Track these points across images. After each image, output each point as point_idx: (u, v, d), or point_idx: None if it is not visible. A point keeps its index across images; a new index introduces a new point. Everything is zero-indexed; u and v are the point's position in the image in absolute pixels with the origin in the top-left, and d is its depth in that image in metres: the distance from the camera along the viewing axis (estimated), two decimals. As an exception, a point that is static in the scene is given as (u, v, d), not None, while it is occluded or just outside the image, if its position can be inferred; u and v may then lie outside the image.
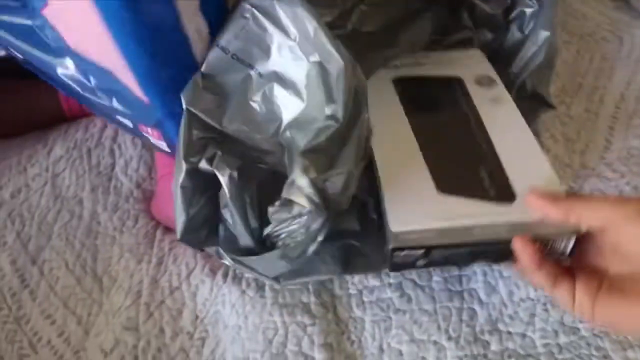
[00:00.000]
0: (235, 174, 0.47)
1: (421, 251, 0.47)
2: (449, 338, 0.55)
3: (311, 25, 0.45)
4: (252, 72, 0.49)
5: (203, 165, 0.48)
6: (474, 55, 0.63)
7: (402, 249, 0.47)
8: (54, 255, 0.59)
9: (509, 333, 0.55)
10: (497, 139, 0.52)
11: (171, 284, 0.58)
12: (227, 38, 0.48)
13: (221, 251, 0.50)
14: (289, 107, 0.49)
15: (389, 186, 0.50)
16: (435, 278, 0.58)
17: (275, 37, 0.47)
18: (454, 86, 0.59)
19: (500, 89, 0.58)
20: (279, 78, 0.49)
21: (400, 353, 0.54)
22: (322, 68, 0.46)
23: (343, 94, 0.45)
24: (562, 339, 0.54)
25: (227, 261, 0.50)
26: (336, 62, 0.45)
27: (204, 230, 0.52)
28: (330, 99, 0.46)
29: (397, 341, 0.55)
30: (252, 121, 0.50)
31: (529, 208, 0.45)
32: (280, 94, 0.49)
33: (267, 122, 0.50)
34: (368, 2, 0.58)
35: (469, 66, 0.60)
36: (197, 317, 0.56)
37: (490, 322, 0.56)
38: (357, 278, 0.58)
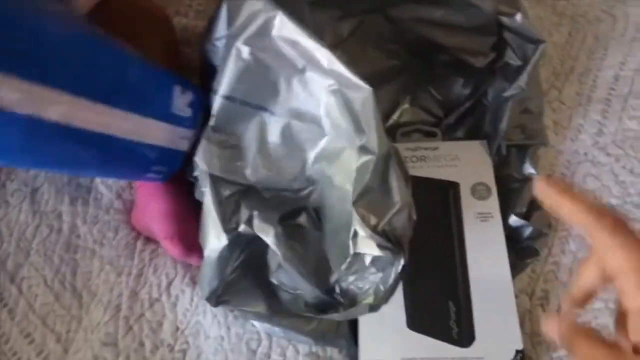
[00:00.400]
0: (279, 229, 0.46)
1: None
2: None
3: (320, 53, 0.42)
4: (265, 114, 0.47)
5: (243, 229, 0.46)
6: (477, 151, 0.59)
7: None
8: (33, 271, 0.58)
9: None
10: (474, 272, 0.51)
11: (151, 295, 0.56)
12: (229, 86, 0.45)
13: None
14: (311, 140, 0.47)
15: (366, 317, 0.50)
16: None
17: (281, 73, 0.44)
18: (449, 194, 0.56)
19: (493, 203, 0.55)
20: (294, 113, 0.46)
21: None
22: (342, 95, 0.43)
23: (375, 122, 0.41)
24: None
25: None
26: (359, 88, 0.42)
27: (239, 291, 0.51)
28: (359, 129, 0.43)
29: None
30: (276, 164, 0.48)
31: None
32: (299, 129, 0.47)
33: (292, 161, 0.48)
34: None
35: (471, 166, 0.57)
36: (177, 328, 0.55)
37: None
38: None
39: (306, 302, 0.49)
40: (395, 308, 0.51)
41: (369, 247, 0.42)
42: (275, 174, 0.49)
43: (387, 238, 0.41)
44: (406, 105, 0.65)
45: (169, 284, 0.57)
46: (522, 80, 0.53)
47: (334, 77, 0.43)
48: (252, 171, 0.48)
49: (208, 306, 0.55)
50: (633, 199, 0.61)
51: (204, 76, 0.58)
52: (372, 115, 0.41)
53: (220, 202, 0.47)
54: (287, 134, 0.47)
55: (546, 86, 0.69)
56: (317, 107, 0.45)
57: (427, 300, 0.51)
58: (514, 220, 0.55)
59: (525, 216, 0.56)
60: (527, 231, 0.55)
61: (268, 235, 0.46)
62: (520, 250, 0.55)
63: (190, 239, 0.54)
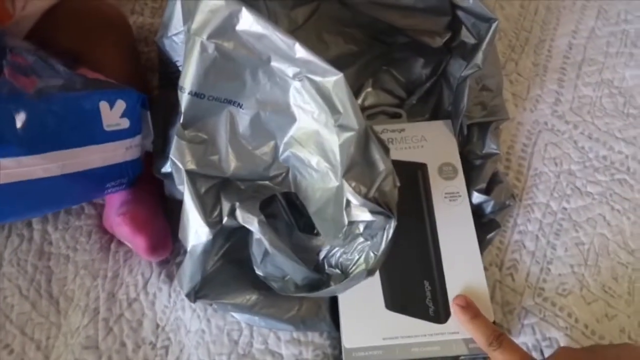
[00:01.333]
0: (262, 217, 0.47)
1: None
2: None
3: (286, 43, 0.43)
4: (233, 107, 0.47)
5: (227, 222, 0.47)
6: (442, 131, 0.60)
7: None
8: (7, 282, 0.58)
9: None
10: (445, 251, 0.53)
11: (129, 296, 0.56)
12: (196, 82, 0.45)
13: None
14: (281, 128, 0.48)
15: (346, 302, 0.52)
16: None
17: (247, 65, 0.45)
18: (418, 175, 0.57)
19: (460, 182, 0.57)
20: (262, 104, 0.47)
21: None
22: (311, 82, 0.44)
23: (350, 101, 0.43)
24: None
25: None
26: (329, 73, 0.43)
27: (217, 285, 0.52)
28: (333, 110, 0.44)
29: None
30: (248, 155, 0.49)
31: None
32: (268, 119, 0.48)
33: (263, 150, 0.49)
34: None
35: (437, 147, 0.59)
36: (157, 325, 0.55)
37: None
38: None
39: (296, 284, 0.50)
40: (374, 290, 0.52)
41: (362, 214, 0.44)
42: (248, 165, 0.49)
43: (378, 204, 0.44)
44: (369, 89, 0.66)
45: (146, 283, 0.57)
46: (479, 58, 0.55)
47: (301, 65, 0.44)
48: (226, 164, 0.49)
49: (186, 301, 0.55)
50: (593, 163, 0.63)
51: (162, 72, 0.58)
52: (346, 97, 0.43)
53: (199, 197, 0.47)
54: (256, 124, 0.48)
55: (503, 59, 0.70)
56: (285, 95, 0.46)
57: (403, 281, 0.53)
58: (476, 197, 0.57)
59: (487, 191, 0.57)
60: (489, 206, 0.57)
61: (253, 225, 0.47)
62: (484, 225, 0.57)
63: (145, 222, 0.55)
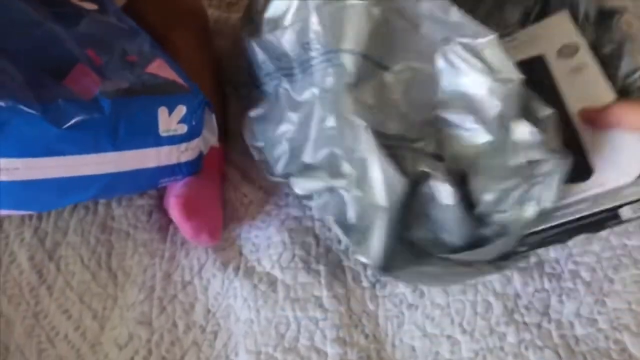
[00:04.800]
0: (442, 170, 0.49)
1: None
2: (464, 332, 0.54)
3: (439, 4, 0.47)
4: (386, 72, 0.50)
5: (427, 189, 0.49)
6: (559, 21, 0.59)
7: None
8: (70, 251, 0.60)
9: (525, 324, 0.54)
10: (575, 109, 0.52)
11: (183, 278, 0.58)
12: (359, 43, 0.49)
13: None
14: (429, 92, 0.51)
15: None
16: (448, 270, 0.58)
17: (398, 29, 0.49)
18: (535, 67, 0.57)
19: (583, 54, 0.55)
20: (411, 69, 0.50)
21: (413, 349, 0.54)
22: (462, 44, 0.47)
23: (506, 58, 0.47)
24: (579, 331, 0.53)
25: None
26: (482, 33, 0.46)
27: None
28: (488, 68, 0.47)
29: (409, 337, 0.54)
30: (400, 117, 0.51)
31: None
32: (416, 83, 0.50)
33: (413, 114, 0.51)
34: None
35: (553, 37, 0.58)
36: (209, 311, 0.56)
37: (506, 313, 0.55)
38: (369, 271, 0.58)
39: (454, 247, 0.51)
40: None
41: (534, 154, 0.47)
42: (399, 126, 0.51)
43: (550, 147, 0.46)
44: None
45: (201, 268, 0.59)
46: None
47: (453, 29, 0.47)
48: (381, 127, 0.50)
49: (238, 290, 0.57)
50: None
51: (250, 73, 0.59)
52: (502, 54, 0.47)
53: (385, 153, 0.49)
54: (407, 87, 0.51)
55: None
56: (433, 59, 0.49)
57: None
58: None
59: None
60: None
61: (437, 175, 0.49)
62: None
63: (196, 208, 0.56)
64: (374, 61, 0.50)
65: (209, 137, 0.59)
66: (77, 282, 0.58)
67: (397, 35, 0.49)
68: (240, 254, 0.60)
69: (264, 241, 0.60)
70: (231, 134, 0.67)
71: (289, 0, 0.52)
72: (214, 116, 0.57)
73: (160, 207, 0.64)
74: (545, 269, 0.58)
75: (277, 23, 0.53)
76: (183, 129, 0.53)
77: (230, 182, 0.65)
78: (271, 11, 0.53)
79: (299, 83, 0.54)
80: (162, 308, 0.57)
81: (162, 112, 0.52)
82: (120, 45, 0.55)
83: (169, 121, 0.52)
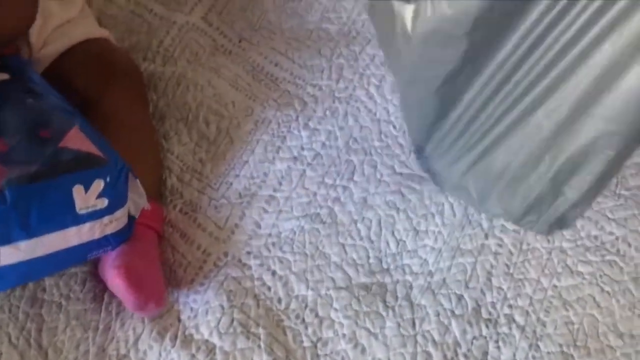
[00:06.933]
0: None
1: None
2: (405, 386, 0.54)
3: None
4: None
5: None
6: None
7: None
8: (-4, 329, 0.58)
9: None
10: None
11: (119, 352, 0.56)
12: None
13: None
14: None
15: None
16: (388, 324, 0.58)
17: None
18: None
19: None
20: None
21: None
22: None
23: None
24: (517, 378, 0.54)
25: None
26: None
27: None
28: None
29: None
30: None
31: None
32: None
33: None
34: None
35: None
36: (146, 385, 0.55)
37: (446, 363, 0.56)
38: (310, 329, 0.58)
39: None
40: None
41: None
42: None
43: None
44: None
45: (137, 339, 0.57)
46: None
47: None
48: None
49: (176, 360, 0.55)
50: (584, 242, 0.64)
51: None
52: None
53: None
54: None
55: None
56: None
57: None
58: None
59: None
60: None
61: None
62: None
63: (140, 277, 0.55)
64: None
65: (139, 201, 0.57)
66: (4, 364, 0.56)
67: None
68: (179, 320, 0.58)
69: (202, 306, 0.58)
70: (170, 191, 0.66)
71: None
72: (138, 181, 0.55)
73: (94, 273, 0.62)
74: (483, 314, 0.59)
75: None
76: (103, 202, 0.52)
77: (168, 242, 0.64)
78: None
79: None
80: (97, 386, 0.55)
81: (78, 190, 0.50)
82: (33, 120, 0.53)
83: (87, 198, 0.51)
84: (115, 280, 0.55)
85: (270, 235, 0.63)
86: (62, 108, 0.57)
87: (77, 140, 0.54)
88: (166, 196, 0.66)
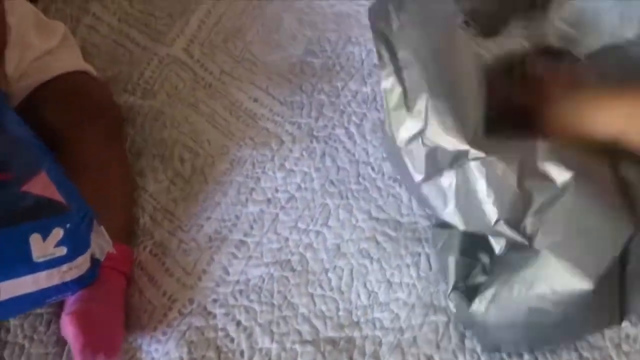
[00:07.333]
0: None
1: None
2: None
3: None
4: None
5: None
6: None
7: None
8: (-46, 376, 0.57)
9: None
10: None
11: (75, 403, 0.55)
12: None
13: None
14: None
15: None
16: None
17: None
18: None
19: None
20: None
21: None
22: None
23: None
24: None
25: None
26: None
27: None
28: None
29: None
30: None
31: None
32: None
33: None
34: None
35: None
36: None
37: None
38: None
39: None
40: None
41: None
42: None
43: None
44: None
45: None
46: None
47: None
48: None
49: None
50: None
51: None
52: None
53: None
54: None
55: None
56: None
57: None
58: None
59: None
60: None
61: None
62: None
63: (93, 325, 0.53)
64: None
65: (104, 245, 0.56)
66: (-41, 411, 0.55)
67: None
68: (140, 368, 0.57)
69: (163, 357, 0.57)
70: (142, 230, 0.65)
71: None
72: (102, 228, 0.54)
73: (60, 315, 0.61)
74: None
75: None
76: (62, 251, 0.51)
77: (136, 285, 0.62)
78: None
79: None
80: None
81: (35, 239, 0.49)
82: None
83: (44, 246, 0.50)
84: (67, 327, 0.54)
85: (238, 282, 0.61)
86: (31, 146, 0.56)
87: (41, 185, 0.53)
88: (138, 235, 0.65)
